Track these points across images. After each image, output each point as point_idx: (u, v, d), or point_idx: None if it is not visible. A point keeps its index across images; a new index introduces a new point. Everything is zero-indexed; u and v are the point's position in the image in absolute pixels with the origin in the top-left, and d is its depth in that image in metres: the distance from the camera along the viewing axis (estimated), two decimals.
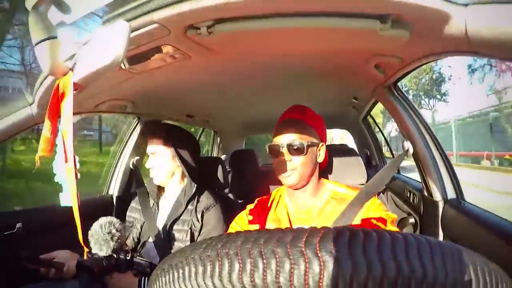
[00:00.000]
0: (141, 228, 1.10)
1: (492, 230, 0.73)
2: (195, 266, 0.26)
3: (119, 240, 0.81)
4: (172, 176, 1.11)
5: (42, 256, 0.83)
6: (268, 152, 0.83)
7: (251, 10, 0.58)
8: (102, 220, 0.82)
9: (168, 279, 0.27)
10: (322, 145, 0.84)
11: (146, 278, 0.88)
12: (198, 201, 1.09)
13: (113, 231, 0.81)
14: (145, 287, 0.85)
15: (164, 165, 1.08)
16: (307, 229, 0.25)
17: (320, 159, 0.84)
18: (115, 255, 0.82)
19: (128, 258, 0.84)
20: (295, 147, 0.78)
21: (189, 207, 1.07)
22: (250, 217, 0.86)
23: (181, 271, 0.26)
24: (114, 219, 0.83)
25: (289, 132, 0.80)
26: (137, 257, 0.90)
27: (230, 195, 1.62)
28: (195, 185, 1.09)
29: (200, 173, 1.15)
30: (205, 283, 0.24)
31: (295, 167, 0.78)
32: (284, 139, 0.80)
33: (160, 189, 1.16)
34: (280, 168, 0.80)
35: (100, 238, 0.79)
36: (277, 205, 0.86)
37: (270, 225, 0.82)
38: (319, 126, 0.85)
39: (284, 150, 0.78)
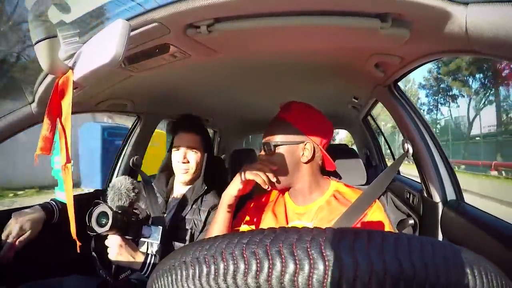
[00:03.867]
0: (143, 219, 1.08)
1: (492, 232, 0.73)
2: (199, 267, 0.25)
3: (136, 196, 0.89)
4: (197, 175, 1.09)
5: None
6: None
7: (250, 9, 0.58)
8: (122, 176, 0.92)
9: (171, 279, 0.27)
10: (307, 143, 0.78)
11: (153, 256, 0.89)
12: (202, 201, 1.07)
13: (135, 183, 0.90)
14: (150, 266, 0.88)
15: (198, 162, 1.08)
16: (312, 229, 0.25)
17: (305, 158, 0.78)
18: (130, 210, 0.90)
19: (139, 219, 0.91)
20: (265, 147, 0.81)
21: (194, 206, 1.06)
22: (247, 218, 0.85)
23: (184, 271, 0.26)
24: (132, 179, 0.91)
25: (266, 132, 0.83)
26: (146, 225, 0.93)
27: None
28: (205, 186, 1.08)
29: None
30: (208, 284, 0.24)
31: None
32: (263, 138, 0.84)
33: (170, 188, 1.15)
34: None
35: (123, 186, 0.87)
36: (275, 202, 0.85)
37: (267, 222, 0.81)
38: (305, 124, 0.79)
39: (262, 148, 0.82)
